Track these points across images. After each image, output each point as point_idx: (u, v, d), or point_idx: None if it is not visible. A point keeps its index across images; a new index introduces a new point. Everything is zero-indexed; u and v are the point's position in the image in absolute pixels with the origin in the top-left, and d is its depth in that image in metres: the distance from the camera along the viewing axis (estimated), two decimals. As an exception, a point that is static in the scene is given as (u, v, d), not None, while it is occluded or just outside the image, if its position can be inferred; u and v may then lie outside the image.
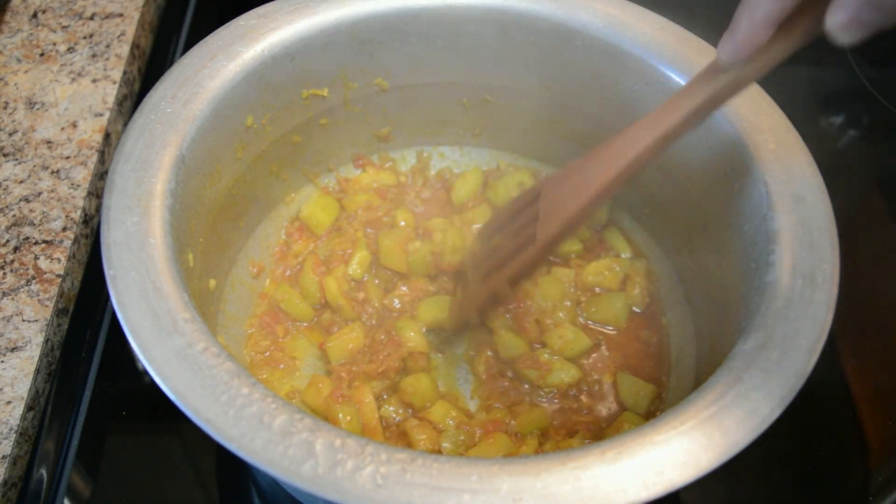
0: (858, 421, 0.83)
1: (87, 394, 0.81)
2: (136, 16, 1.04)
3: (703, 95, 0.58)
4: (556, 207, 0.65)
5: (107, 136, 0.93)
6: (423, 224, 0.88)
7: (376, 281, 0.85)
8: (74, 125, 0.93)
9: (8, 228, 0.84)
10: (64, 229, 0.84)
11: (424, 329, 0.82)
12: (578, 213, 0.65)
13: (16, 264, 0.82)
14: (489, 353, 0.81)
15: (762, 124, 0.69)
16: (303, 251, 0.87)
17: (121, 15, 1.04)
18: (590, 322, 0.84)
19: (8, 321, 0.78)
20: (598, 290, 0.85)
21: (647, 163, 0.62)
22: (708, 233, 0.76)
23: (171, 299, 0.56)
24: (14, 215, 0.85)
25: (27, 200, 0.86)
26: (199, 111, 0.68)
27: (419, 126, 0.93)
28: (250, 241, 0.85)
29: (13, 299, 0.79)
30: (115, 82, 0.97)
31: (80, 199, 0.86)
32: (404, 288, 0.84)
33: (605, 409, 0.79)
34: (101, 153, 0.91)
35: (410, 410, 0.77)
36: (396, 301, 0.83)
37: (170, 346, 0.54)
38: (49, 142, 0.91)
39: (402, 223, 0.88)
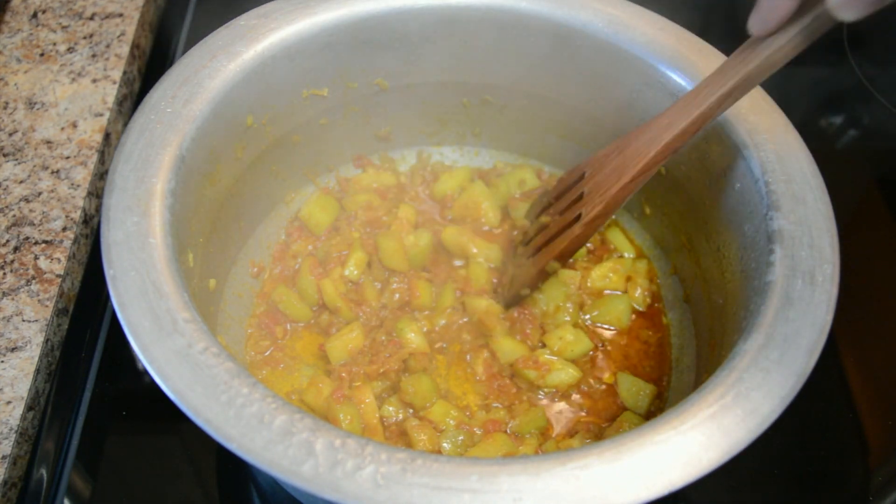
0: (858, 421, 0.83)
1: (87, 394, 0.81)
2: (136, 16, 1.04)
3: (736, 77, 0.60)
4: (601, 187, 0.69)
5: (107, 136, 0.93)
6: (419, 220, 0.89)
7: (375, 283, 0.85)
8: (74, 125, 0.93)
9: (8, 228, 0.84)
10: (64, 229, 0.84)
11: (424, 329, 0.82)
12: (621, 193, 0.68)
13: (16, 264, 0.82)
14: (487, 353, 0.81)
15: (762, 124, 0.69)
16: (302, 251, 0.87)
17: (121, 15, 1.04)
18: (591, 323, 0.84)
19: (8, 321, 0.78)
20: (606, 292, 0.85)
21: (683, 145, 0.65)
22: (708, 233, 0.76)
23: (171, 299, 0.56)
24: (14, 215, 0.85)
25: (27, 200, 0.86)
26: (199, 111, 0.68)
27: (419, 126, 0.93)
28: (250, 241, 0.85)
29: (13, 299, 0.79)
30: (115, 82, 0.97)
31: (80, 199, 0.86)
32: (402, 284, 0.84)
33: (605, 409, 0.79)
34: (101, 153, 0.91)
35: (410, 410, 0.77)
36: (397, 294, 0.83)
37: (170, 346, 0.54)
38: (49, 142, 0.91)
39: (400, 219, 0.87)
